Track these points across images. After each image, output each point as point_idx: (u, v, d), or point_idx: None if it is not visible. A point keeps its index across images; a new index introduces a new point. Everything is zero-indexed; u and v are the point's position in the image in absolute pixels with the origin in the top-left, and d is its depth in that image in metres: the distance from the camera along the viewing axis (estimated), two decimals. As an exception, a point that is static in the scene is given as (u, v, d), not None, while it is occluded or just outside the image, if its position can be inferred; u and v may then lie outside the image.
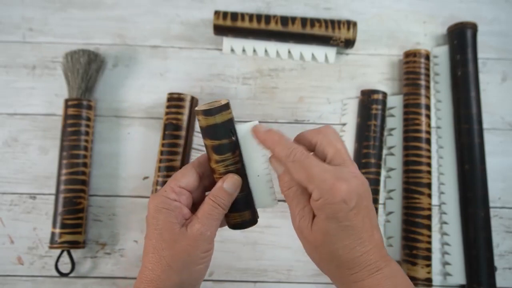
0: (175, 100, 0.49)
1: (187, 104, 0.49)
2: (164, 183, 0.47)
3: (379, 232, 0.31)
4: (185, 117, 0.49)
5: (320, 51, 0.55)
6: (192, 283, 0.32)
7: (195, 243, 0.31)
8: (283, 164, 0.32)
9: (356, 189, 0.30)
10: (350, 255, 0.30)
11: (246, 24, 0.53)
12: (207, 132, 0.32)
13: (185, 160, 0.49)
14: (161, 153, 0.49)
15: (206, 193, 0.35)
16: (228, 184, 0.33)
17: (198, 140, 0.51)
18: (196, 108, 0.32)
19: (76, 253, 0.49)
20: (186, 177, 0.33)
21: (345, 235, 0.30)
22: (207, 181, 0.35)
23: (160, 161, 0.48)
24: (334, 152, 0.32)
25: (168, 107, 0.50)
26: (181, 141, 0.49)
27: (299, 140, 0.33)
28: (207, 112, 0.32)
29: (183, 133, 0.49)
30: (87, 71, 0.51)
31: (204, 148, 0.34)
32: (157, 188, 0.48)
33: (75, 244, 0.47)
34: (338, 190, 0.29)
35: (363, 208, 0.30)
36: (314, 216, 0.31)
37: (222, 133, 0.32)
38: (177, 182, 0.33)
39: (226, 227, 0.36)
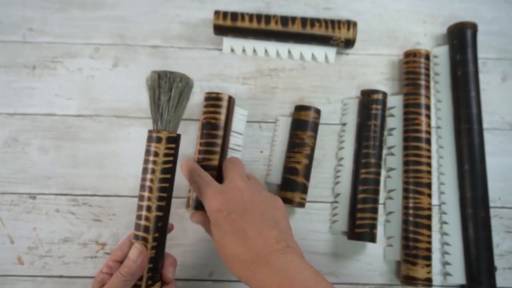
0: (213, 100, 0.49)
1: (224, 103, 0.49)
2: None
3: (274, 229, 0.36)
4: (223, 117, 0.48)
5: (320, 51, 0.55)
6: None
7: None
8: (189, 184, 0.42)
9: (233, 198, 0.37)
10: (235, 253, 0.35)
11: (246, 24, 0.53)
12: None
13: (222, 160, 0.48)
14: (199, 152, 0.48)
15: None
16: (132, 253, 0.36)
17: (234, 139, 0.51)
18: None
19: (76, 253, 0.49)
20: (122, 250, 0.39)
21: (226, 236, 0.36)
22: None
23: (198, 160, 0.47)
24: (226, 174, 0.42)
25: (206, 106, 0.49)
26: (219, 141, 0.48)
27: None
28: None
29: (221, 132, 0.48)
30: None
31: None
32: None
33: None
34: (214, 202, 0.37)
35: (243, 212, 0.36)
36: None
37: None
38: (112, 257, 0.39)
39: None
